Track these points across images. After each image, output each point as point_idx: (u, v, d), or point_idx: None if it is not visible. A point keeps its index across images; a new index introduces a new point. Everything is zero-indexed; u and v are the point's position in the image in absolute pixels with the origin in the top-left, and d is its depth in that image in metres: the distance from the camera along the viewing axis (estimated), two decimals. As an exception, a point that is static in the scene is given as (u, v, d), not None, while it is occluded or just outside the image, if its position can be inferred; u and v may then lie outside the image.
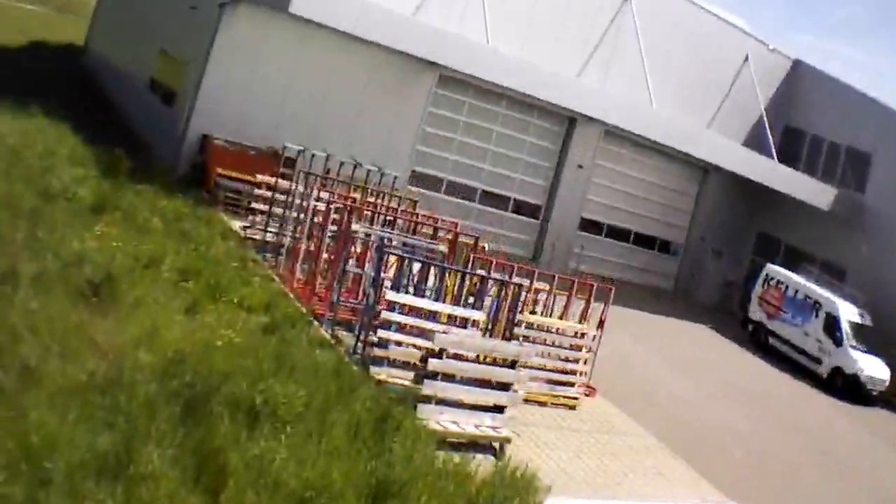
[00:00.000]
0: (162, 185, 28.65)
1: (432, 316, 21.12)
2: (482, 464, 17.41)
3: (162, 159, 32.78)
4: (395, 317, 20.20)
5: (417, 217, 27.44)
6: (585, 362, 24.44)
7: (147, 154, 33.00)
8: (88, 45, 61.47)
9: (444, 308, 21.40)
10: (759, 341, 41.82)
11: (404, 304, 20.70)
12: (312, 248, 24.84)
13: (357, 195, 27.91)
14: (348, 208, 24.22)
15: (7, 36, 69.07)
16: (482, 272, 23.25)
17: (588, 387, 24.58)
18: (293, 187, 26.68)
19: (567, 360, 24.17)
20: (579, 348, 24.36)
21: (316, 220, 25.10)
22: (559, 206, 42.68)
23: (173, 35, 38.45)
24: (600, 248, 45.22)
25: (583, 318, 24.66)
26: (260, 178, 28.24)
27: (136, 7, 48.39)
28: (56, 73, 50.45)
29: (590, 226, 44.78)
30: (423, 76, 36.74)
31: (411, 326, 20.54)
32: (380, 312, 20.27)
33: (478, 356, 19.59)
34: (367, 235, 23.65)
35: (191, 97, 32.31)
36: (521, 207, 42.44)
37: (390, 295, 20.51)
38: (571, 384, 23.93)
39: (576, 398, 23.68)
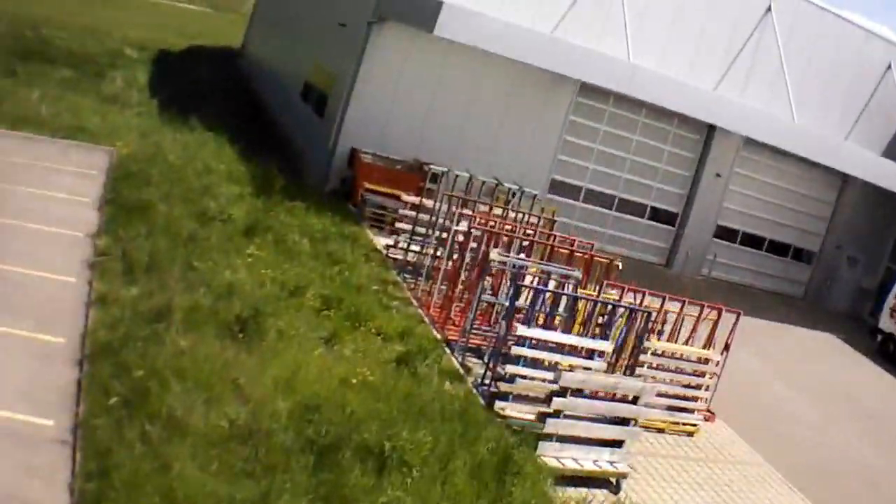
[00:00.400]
0: (313, 200, 29.46)
1: (560, 345, 21.41)
2: (599, 500, 17.78)
3: (313, 171, 33.76)
4: (525, 351, 20.50)
5: (555, 239, 27.52)
6: (707, 388, 24.30)
7: (299, 166, 34.25)
8: (245, 47, 63.05)
9: (572, 340, 21.64)
10: (887, 353, 40.22)
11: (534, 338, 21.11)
12: (451, 269, 25.24)
13: (497, 212, 28.43)
14: (486, 234, 24.51)
15: (166, 37, 70.75)
16: (613, 295, 23.49)
17: (708, 411, 24.41)
18: (436, 206, 27.27)
19: (689, 385, 24.03)
20: (702, 374, 24.27)
21: (457, 239, 25.51)
22: (696, 214, 42.25)
23: (325, 46, 39.01)
24: (734, 255, 44.57)
25: (709, 342, 24.56)
26: (405, 198, 28.63)
27: (292, 12, 49.54)
28: (214, 77, 51.95)
29: (725, 233, 44.12)
30: (565, 86, 36.60)
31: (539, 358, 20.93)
32: (510, 346, 20.71)
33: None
34: (503, 264, 24.05)
35: (341, 111, 32.86)
36: (657, 215, 42.12)
37: (521, 329, 20.81)
38: (691, 410, 23.78)
39: (695, 425, 23.49)
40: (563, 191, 38.41)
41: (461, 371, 21.25)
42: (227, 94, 47.53)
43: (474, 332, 23.03)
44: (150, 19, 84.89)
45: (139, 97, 42.60)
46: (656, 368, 23.10)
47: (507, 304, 21.91)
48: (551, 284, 23.67)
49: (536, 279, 23.68)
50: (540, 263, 24.95)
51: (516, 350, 20.25)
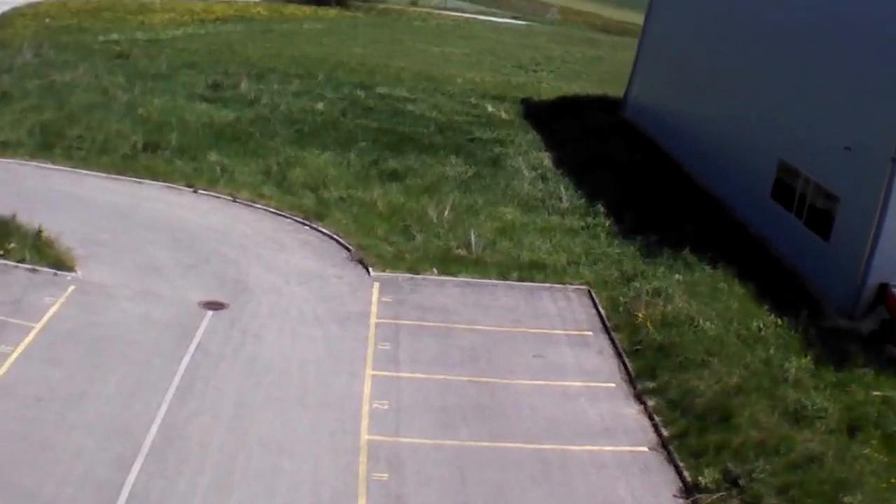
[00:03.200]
0: (864, 356, 26.60)
1: None
2: None
3: (830, 304, 30.72)
4: None
5: None
6: None
7: (804, 294, 31.35)
8: (632, 97, 57.37)
9: None
10: None
11: None
12: None
13: None
14: None
15: (508, 77, 68.83)
16: None
17: None
18: None
19: None
20: None
21: None
22: None
23: (802, 147, 35.05)
24: None
25: None
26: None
27: (724, 69, 44.42)
28: (619, 149, 47.40)
29: None
30: None
31: None
32: None
33: None
34: None
35: (869, 246, 29.68)
36: None
37: None
38: None
39: None
40: None
41: None
42: (656, 179, 43.17)
43: None
44: (462, 46, 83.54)
45: (567, 198, 39.07)
46: None
47: None
48: None
49: None
50: None
51: None
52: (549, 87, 65.46)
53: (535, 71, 74.18)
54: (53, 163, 37.85)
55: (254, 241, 32.68)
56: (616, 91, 60.81)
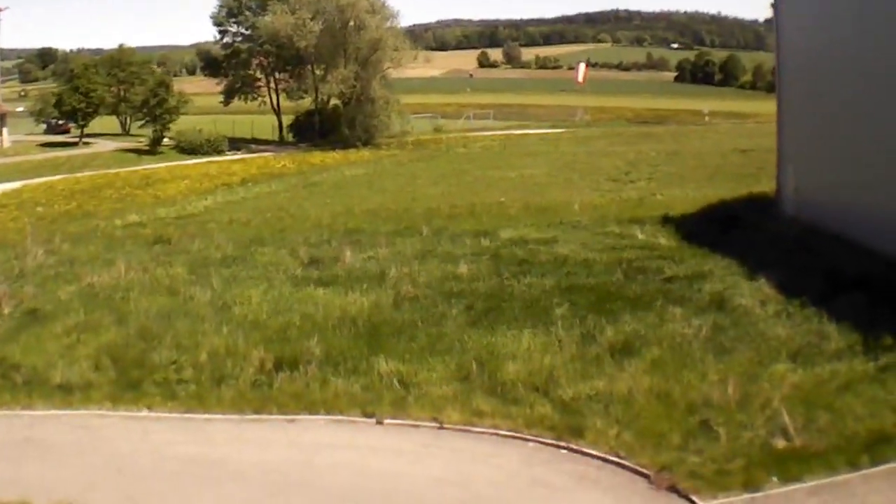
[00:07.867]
0: None
1: None
2: None
3: None
4: None
5: None
6: None
7: None
8: (786, 194, 46.52)
9: None
10: None
11: None
12: None
13: None
14: None
15: (606, 202, 57.71)
16: None
17: None
18: None
19: None
20: None
21: None
22: None
23: None
24: None
25: None
26: None
27: None
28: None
29: None
30: None
31: None
32: None
33: None
34: None
35: None
36: None
37: None
38: None
39: None
40: None
41: None
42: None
43: None
44: (532, 165, 77.20)
45: (842, 337, 26.80)
46: None
47: None
48: None
49: None
50: None
51: None
52: (669, 198, 56.82)
53: (632, 181, 66.47)
54: (149, 409, 22.59)
55: (515, 493, 19.83)
56: (734, 187, 53.30)
